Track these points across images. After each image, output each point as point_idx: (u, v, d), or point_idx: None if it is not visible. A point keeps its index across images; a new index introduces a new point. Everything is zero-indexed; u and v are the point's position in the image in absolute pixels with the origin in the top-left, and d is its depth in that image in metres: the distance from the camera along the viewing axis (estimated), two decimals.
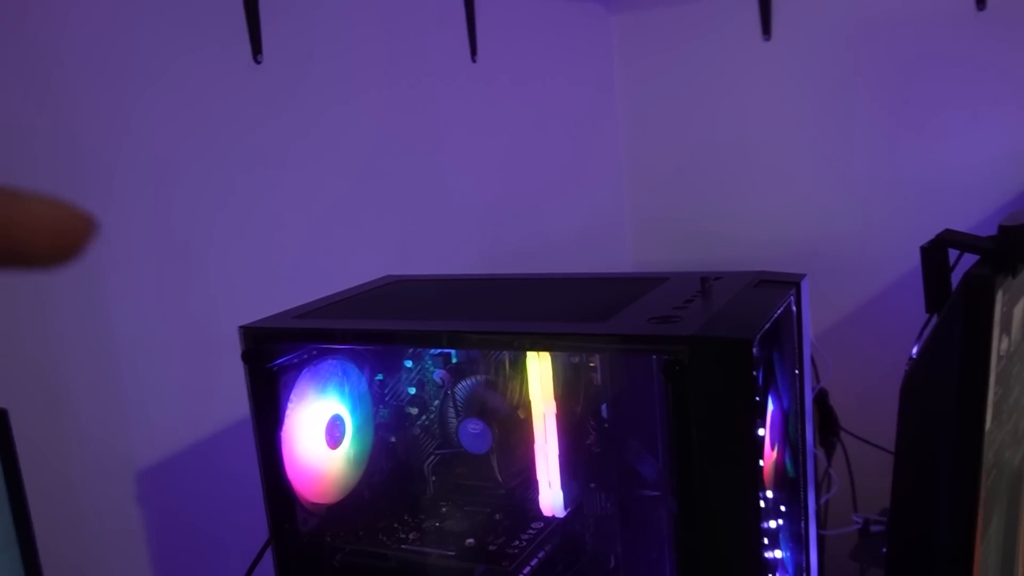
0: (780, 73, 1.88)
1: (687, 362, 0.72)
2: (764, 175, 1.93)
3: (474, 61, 1.72)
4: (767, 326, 0.78)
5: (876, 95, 1.79)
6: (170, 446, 1.25)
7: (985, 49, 1.70)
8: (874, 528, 1.52)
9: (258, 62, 1.33)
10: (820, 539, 1.12)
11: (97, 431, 1.16)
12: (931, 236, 1.09)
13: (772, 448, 0.86)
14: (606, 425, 0.94)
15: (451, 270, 1.57)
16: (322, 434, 0.96)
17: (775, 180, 1.92)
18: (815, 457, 1.02)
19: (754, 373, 0.73)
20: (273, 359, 0.92)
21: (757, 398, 0.77)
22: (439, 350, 1.00)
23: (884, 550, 1.16)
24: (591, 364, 0.93)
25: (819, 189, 1.88)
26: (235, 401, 1.19)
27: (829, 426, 1.62)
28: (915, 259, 1.85)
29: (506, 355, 0.97)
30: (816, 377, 1.51)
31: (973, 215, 1.70)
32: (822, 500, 1.53)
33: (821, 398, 1.59)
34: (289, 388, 0.93)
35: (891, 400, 1.20)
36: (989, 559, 0.89)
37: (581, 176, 2.02)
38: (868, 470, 1.67)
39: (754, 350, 0.72)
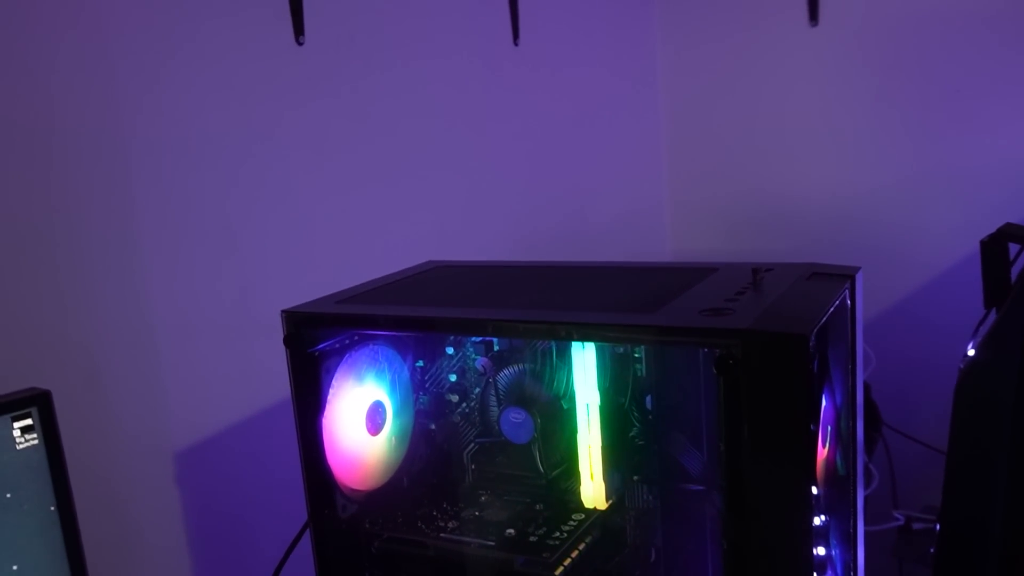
0: (827, 60, 1.84)
1: (740, 356, 0.70)
2: (808, 163, 1.90)
3: (516, 45, 1.70)
4: (823, 320, 0.76)
5: (927, 82, 1.75)
6: (209, 429, 1.25)
7: None
8: (916, 526, 1.50)
9: (300, 44, 1.32)
10: None
11: (137, 414, 1.16)
12: (980, 230, 1.06)
13: (823, 445, 0.83)
14: (650, 417, 0.92)
15: (490, 255, 1.56)
16: (363, 420, 0.96)
17: (820, 169, 1.89)
18: None
19: (810, 369, 0.71)
20: (315, 344, 0.92)
21: (811, 395, 0.75)
22: (482, 338, 0.99)
23: (932, 550, 1.14)
24: (636, 354, 0.91)
25: (864, 179, 1.84)
26: (274, 385, 1.19)
27: (871, 421, 1.59)
28: (962, 253, 1.82)
29: (550, 344, 0.95)
30: None
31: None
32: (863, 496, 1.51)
33: (863, 392, 1.56)
34: (330, 373, 0.92)
35: (935, 395, 1.18)
36: None
37: (622, 163, 2.00)
38: (909, 466, 1.64)
39: (810, 345, 0.70)
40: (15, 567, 0.82)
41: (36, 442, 0.81)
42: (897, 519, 1.53)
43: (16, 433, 0.80)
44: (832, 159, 1.87)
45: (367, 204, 1.44)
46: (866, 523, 1.46)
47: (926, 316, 1.78)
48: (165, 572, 1.21)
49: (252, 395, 1.28)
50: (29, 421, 0.81)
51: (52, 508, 0.82)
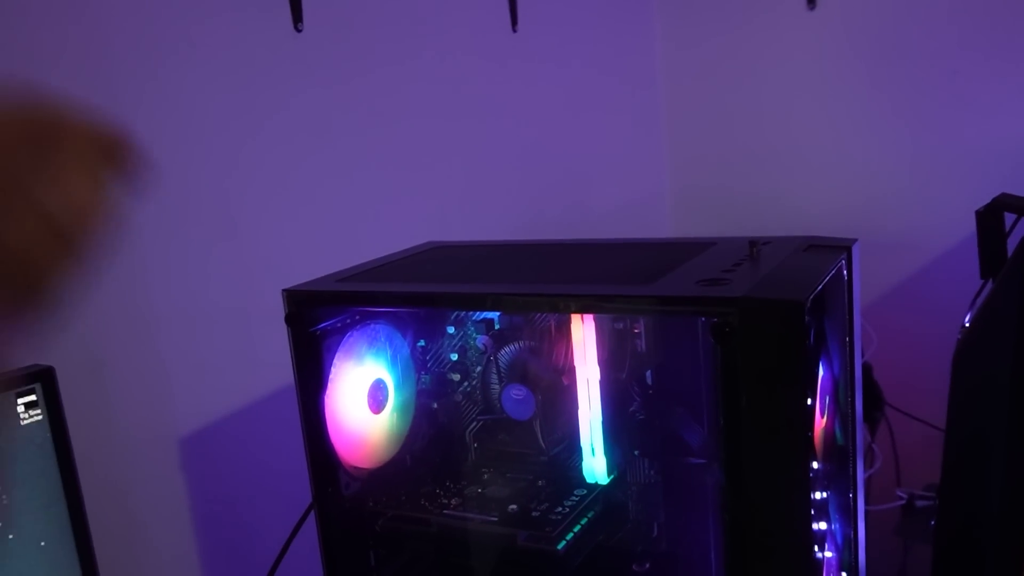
0: (825, 42, 1.84)
1: (737, 324, 0.71)
2: (808, 146, 1.90)
3: (515, 31, 1.70)
4: (819, 289, 0.76)
5: (924, 64, 1.75)
6: (212, 412, 1.25)
7: None
8: (919, 503, 1.50)
9: (299, 30, 1.33)
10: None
11: (139, 400, 1.17)
12: (976, 209, 1.06)
13: (822, 416, 0.84)
14: (650, 391, 0.92)
15: (491, 239, 1.56)
16: (365, 398, 0.96)
17: (819, 151, 1.89)
18: None
19: (806, 336, 0.71)
20: (316, 323, 0.92)
21: (808, 363, 0.75)
22: (481, 315, 0.99)
23: (932, 523, 1.14)
24: (635, 329, 0.91)
25: (863, 161, 1.84)
26: (276, 368, 1.19)
27: (873, 401, 1.59)
28: (960, 232, 1.82)
29: (550, 320, 0.96)
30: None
31: (1020, 187, 1.65)
32: (866, 475, 1.51)
33: (865, 372, 1.56)
34: (332, 352, 0.93)
35: (936, 374, 1.18)
36: None
37: (622, 147, 2.00)
38: (912, 445, 1.64)
39: (805, 313, 0.70)
40: (10, 536, 0.82)
41: (40, 418, 0.82)
42: (900, 498, 1.53)
43: (20, 409, 0.81)
44: (831, 142, 1.87)
45: (367, 191, 1.44)
46: (870, 502, 1.47)
47: (926, 296, 1.78)
48: (170, 555, 1.22)
49: (255, 380, 1.29)
50: (33, 397, 0.81)
51: (57, 482, 0.83)
